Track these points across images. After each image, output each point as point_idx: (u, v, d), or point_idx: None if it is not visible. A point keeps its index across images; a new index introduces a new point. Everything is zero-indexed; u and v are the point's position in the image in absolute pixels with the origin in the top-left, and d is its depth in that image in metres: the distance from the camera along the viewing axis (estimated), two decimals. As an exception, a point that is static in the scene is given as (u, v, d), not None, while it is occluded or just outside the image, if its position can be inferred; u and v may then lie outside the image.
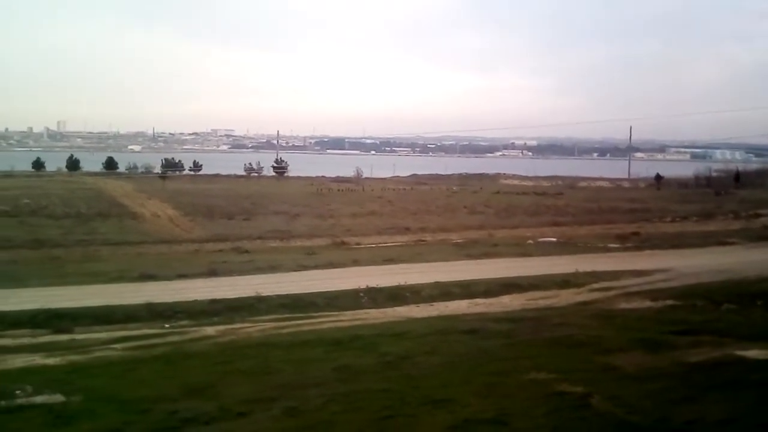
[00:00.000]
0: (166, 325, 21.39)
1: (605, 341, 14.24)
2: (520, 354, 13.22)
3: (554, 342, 14.48)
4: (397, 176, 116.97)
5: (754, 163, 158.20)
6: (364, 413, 9.43)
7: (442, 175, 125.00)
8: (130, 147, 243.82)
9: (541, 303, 23.85)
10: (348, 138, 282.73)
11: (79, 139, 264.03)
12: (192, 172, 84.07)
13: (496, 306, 23.42)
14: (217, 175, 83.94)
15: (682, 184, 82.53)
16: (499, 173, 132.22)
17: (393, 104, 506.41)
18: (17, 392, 11.44)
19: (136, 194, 63.64)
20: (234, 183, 76.28)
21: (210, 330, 19.85)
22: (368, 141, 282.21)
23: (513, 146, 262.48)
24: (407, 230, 43.98)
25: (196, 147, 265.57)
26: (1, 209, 52.20)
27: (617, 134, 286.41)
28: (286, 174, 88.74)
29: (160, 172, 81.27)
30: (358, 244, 39.07)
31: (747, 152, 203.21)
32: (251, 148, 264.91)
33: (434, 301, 24.79)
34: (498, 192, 71.47)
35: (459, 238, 40.62)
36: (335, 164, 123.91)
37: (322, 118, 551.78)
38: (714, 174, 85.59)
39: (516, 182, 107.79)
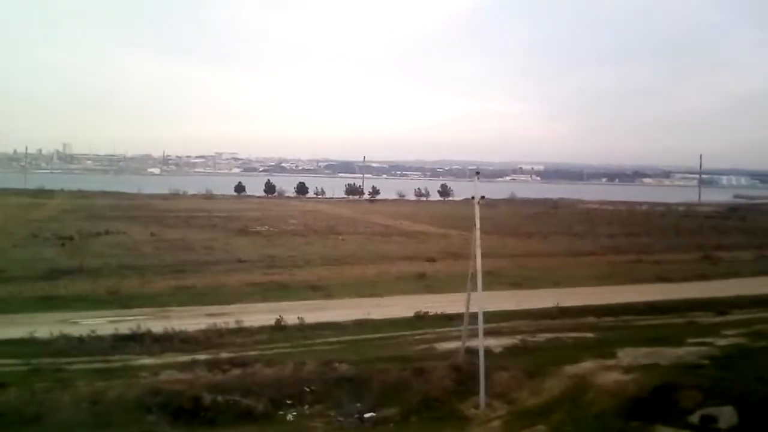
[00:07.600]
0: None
1: None
2: None
3: None
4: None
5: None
6: None
7: (514, 199, 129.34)
8: (150, 170, 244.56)
9: None
10: (356, 162, 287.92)
11: (89, 161, 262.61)
12: (370, 197, 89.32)
13: None
14: (388, 199, 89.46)
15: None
16: (573, 199, 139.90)
17: (393, 128, 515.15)
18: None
19: (369, 216, 69.68)
20: (417, 205, 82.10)
21: None
22: (375, 165, 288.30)
23: (521, 171, 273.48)
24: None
25: (208, 170, 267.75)
26: (291, 229, 57.28)
27: (616, 160, 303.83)
28: (450, 197, 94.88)
29: (347, 196, 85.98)
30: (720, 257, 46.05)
31: (753, 178, 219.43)
32: (263, 171, 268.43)
33: None
34: (685, 216, 79.76)
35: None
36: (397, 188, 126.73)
37: (321, 142, 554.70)
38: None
39: (596, 206, 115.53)
